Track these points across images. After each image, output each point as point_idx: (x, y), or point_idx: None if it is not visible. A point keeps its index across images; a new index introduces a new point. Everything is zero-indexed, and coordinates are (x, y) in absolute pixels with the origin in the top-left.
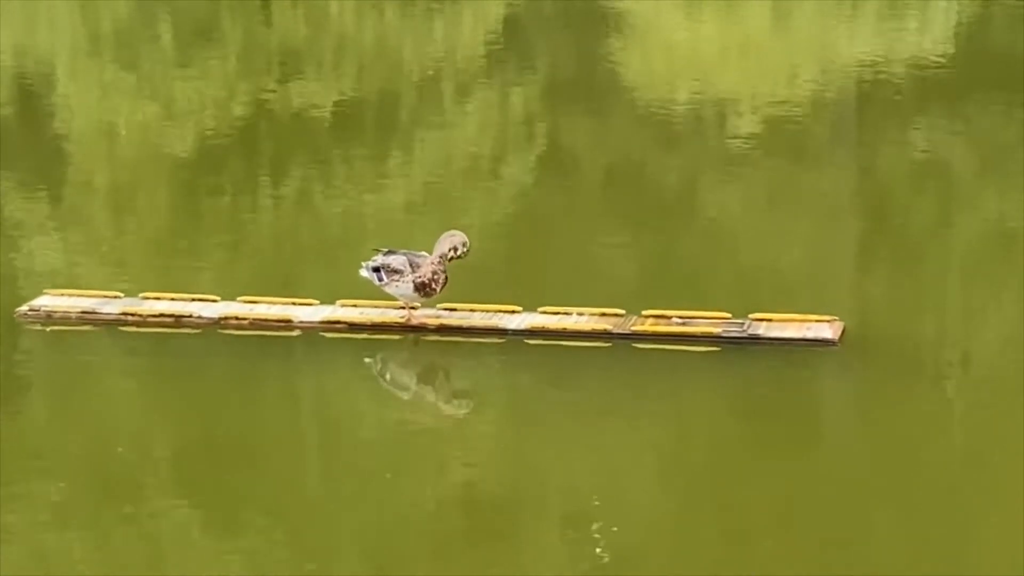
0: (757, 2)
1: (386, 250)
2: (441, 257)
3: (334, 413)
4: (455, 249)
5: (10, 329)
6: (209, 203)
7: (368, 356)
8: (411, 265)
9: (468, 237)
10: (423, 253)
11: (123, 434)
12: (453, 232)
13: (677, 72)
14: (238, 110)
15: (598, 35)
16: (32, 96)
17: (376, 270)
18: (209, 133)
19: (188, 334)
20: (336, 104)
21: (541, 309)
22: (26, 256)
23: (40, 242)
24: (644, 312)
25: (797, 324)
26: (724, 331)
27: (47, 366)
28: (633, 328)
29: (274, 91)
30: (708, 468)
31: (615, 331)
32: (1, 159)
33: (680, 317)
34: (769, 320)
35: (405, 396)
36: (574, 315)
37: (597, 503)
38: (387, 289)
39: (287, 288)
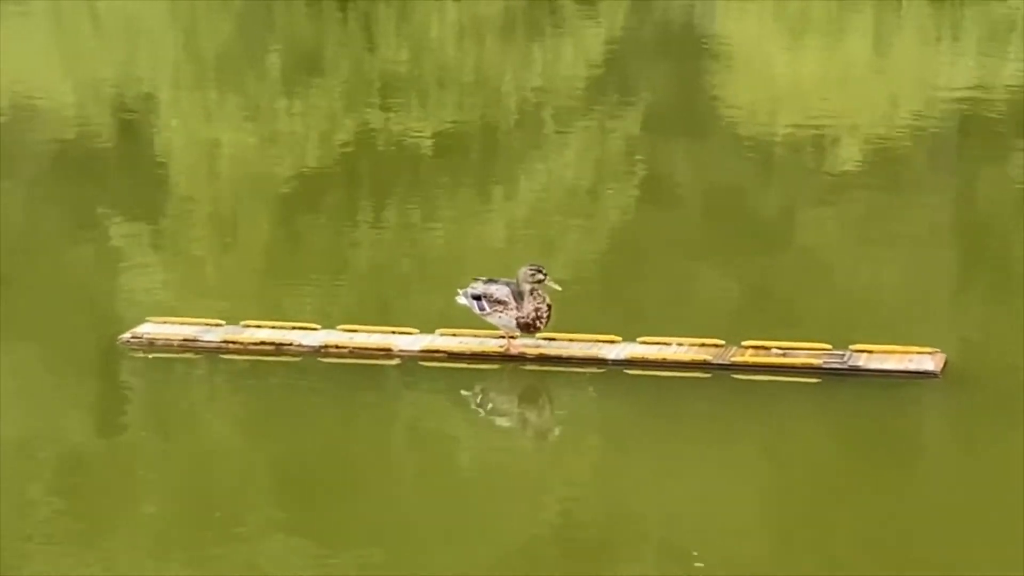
0: (858, 31)
1: (485, 279)
2: (534, 293)
3: (432, 441)
4: (533, 278)
5: (113, 356)
6: (309, 231)
7: (467, 386)
8: (514, 297)
9: (544, 264)
10: (515, 281)
11: (223, 460)
12: (521, 270)
13: (777, 101)
14: (340, 138)
15: (698, 64)
16: (134, 124)
17: (476, 298)
18: (310, 161)
19: (288, 362)
20: (436, 133)
21: (640, 339)
22: (128, 283)
23: (142, 269)
24: (744, 343)
25: (898, 356)
26: (825, 362)
27: (149, 393)
28: (733, 359)
29: (376, 120)
30: (808, 501)
31: (715, 361)
32: (104, 186)
33: (780, 348)
34: (870, 352)
35: (504, 425)
36: (673, 345)
37: (694, 534)
38: (489, 319)
39: (386, 316)
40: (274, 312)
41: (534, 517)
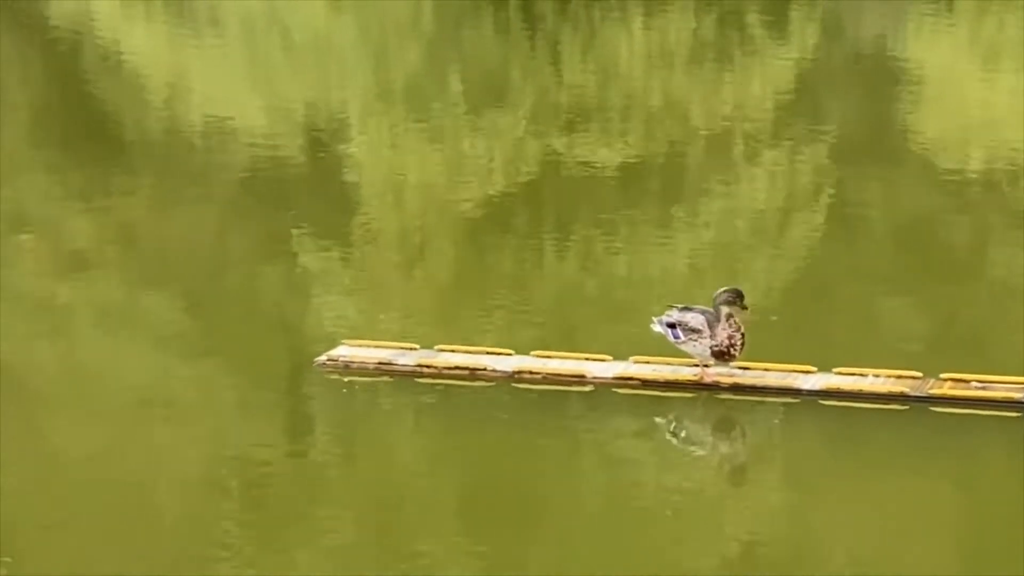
0: None
1: (681, 306)
2: (729, 319)
3: (621, 470)
4: (732, 303)
5: (309, 378)
6: (495, 256)
7: (660, 414)
8: (709, 325)
9: (740, 288)
10: (712, 309)
11: (412, 482)
12: (719, 292)
13: (969, 130)
14: (525, 163)
15: (889, 91)
16: (324, 147)
17: (671, 326)
18: (496, 186)
19: (481, 387)
20: (623, 160)
21: (836, 370)
22: (318, 306)
23: (331, 292)
24: (942, 375)
25: None
26: None
27: (343, 415)
28: (931, 391)
29: (561, 145)
30: (1005, 540)
31: (912, 394)
32: (294, 209)
33: (979, 381)
34: None
35: (695, 454)
36: (870, 376)
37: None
38: (683, 347)
39: (572, 342)
40: (460, 336)
41: (719, 549)
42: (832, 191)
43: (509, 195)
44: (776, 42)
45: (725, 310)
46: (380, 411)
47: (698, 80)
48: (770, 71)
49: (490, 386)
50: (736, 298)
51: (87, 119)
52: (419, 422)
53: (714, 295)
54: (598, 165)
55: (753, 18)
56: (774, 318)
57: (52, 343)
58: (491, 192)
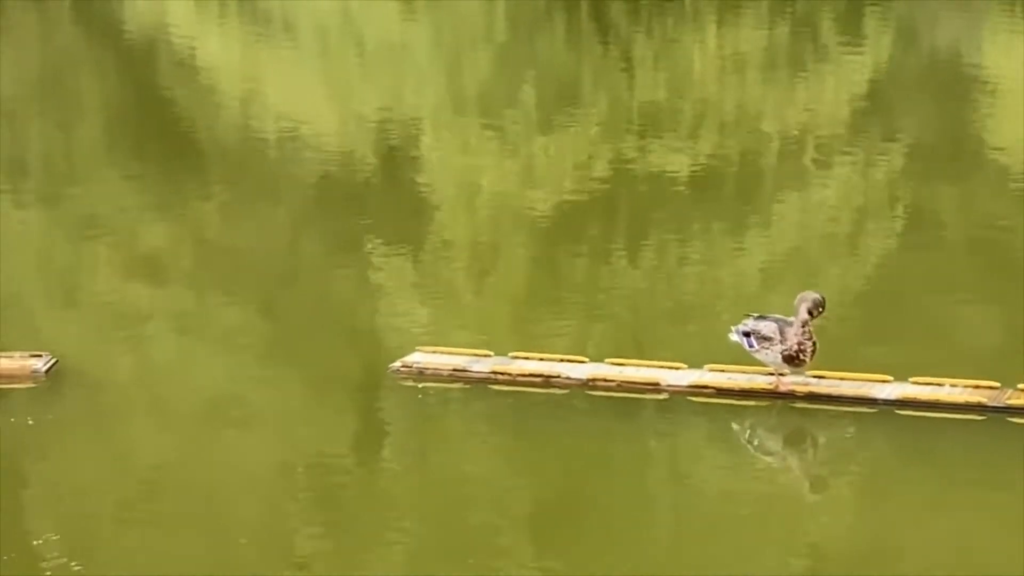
0: None
1: (756, 315)
2: (804, 325)
3: (695, 478)
4: (811, 312)
5: (383, 384)
6: (567, 263)
7: (735, 422)
8: (781, 333)
9: (823, 296)
10: (792, 319)
11: (484, 489)
12: (805, 295)
13: None
14: (597, 171)
15: (964, 98)
16: (396, 154)
17: (746, 335)
18: (567, 193)
19: (555, 394)
20: (696, 167)
21: (912, 379)
22: (390, 312)
23: (406, 298)
24: (1020, 385)
25: None
26: None
27: (419, 421)
28: (1008, 401)
29: (633, 152)
30: None
31: (990, 404)
32: (366, 215)
33: None
34: None
35: (769, 463)
36: (947, 386)
37: None
38: (757, 356)
39: (643, 350)
40: (532, 344)
41: (792, 560)
42: (907, 198)
43: (581, 202)
44: (850, 49)
45: (804, 315)
46: (454, 418)
47: (772, 87)
48: (844, 78)
49: (564, 393)
50: (818, 307)
51: (161, 124)
52: (493, 429)
53: (800, 296)
54: (671, 172)
55: (827, 25)
56: (843, 326)
57: (126, 348)
58: (563, 198)
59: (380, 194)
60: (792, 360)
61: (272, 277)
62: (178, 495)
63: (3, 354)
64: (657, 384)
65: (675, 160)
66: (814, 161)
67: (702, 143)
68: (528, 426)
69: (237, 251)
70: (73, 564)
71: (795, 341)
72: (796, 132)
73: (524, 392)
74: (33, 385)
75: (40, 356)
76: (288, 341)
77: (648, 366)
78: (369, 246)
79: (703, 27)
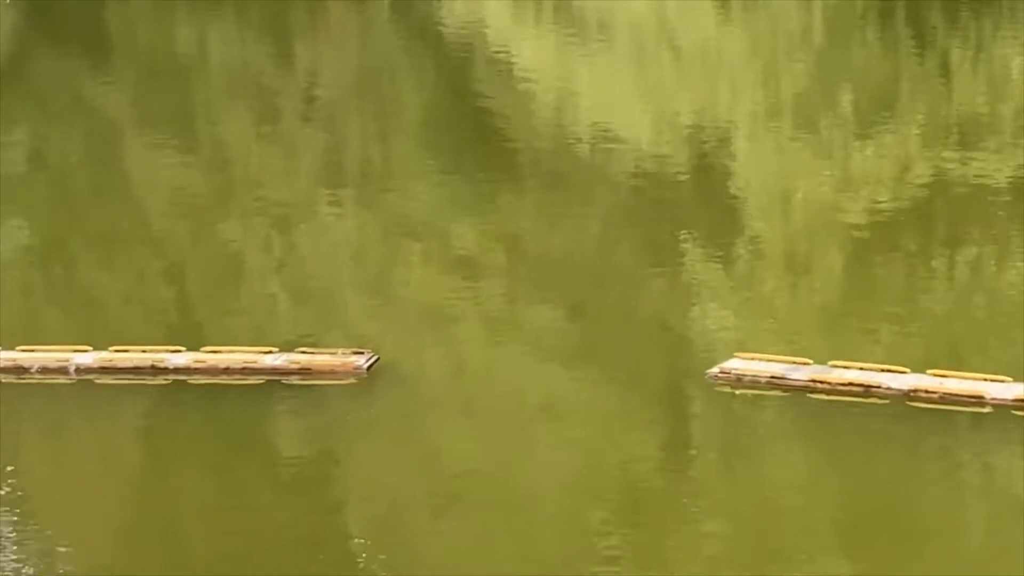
0: None
1: None
2: None
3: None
4: None
5: (698, 389)
6: (882, 272)
7: None
8: None
9: None
10: None
11: (793, 497)
12: None
13: None
14: (914, 179)
15: None
16: (710, 158)
17: None
18: (883, 202)
19: (874, 404)
20: (1015, 176)
21: None
22: (705, 317)
23: (718, 304)
24: None
25: None
26: None
27: (738, 427)
28: None
29: (952, 161)
30: None
31: None
32: (679, 220)
33: None
34: None
35: None
36: None
37: None
38: None
39: (962, 361)
40: (845, 352)
41: None
42: None
43: (897, 210)
44: None
45: None
46: (772, 425)
47: None
48: None
49: (882, 404)
50: None
51: (476, 125)
52: (812, 437)
53: None
54: (990, 180)
55: None
56: None
57: (440, 346)
58: (877, 207)
59: (693, 199)
60: None
61: (584, 279)
62: (487, 492)
63: (326, 350)
64: (981, 397)
65: (995, 168)
66: None
67: (1021, 151)
68: (847, 436)
69: (549, 253)
70: (381, 556)
71: None
72: None
73: (841, 401)
74: (355, 381)
75: (362, 353)
76: (599, 343)
77: (972, 378)
78: (681, 250)
79: (1022, 30)
